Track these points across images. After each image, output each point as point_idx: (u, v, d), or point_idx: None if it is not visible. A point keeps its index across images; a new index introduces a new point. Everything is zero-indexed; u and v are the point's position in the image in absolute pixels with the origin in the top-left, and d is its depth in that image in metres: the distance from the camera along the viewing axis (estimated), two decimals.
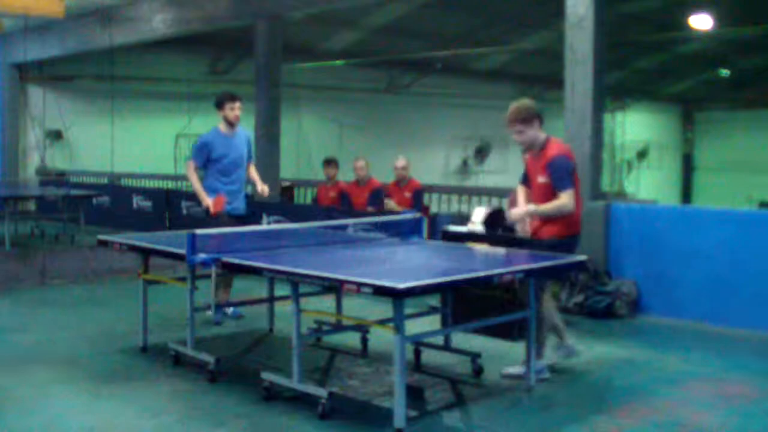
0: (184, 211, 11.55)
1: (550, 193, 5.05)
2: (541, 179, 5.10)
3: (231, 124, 6.92)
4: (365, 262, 5.09)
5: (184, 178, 12.53)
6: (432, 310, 5.77)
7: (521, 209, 5.17)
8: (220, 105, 6.92)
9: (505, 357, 5.63)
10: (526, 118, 5.06)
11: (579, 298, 7.08)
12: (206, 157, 6.84)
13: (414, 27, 16.45)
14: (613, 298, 6.98)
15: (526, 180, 5.39)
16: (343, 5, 12.62)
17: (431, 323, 5.72)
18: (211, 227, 6.11)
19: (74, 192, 12.07)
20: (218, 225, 6.31)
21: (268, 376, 4.79)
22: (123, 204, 13.04)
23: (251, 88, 11.98)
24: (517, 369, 5.14)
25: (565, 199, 4.97)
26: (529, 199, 5.28)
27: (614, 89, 20.70)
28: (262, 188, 6.96)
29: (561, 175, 5.00)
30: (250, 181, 7.28)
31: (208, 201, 6.75)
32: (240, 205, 7.02)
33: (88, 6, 13.61)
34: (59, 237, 12.21)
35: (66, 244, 11.75)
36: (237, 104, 6.87)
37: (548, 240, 5.14)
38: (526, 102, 5.18)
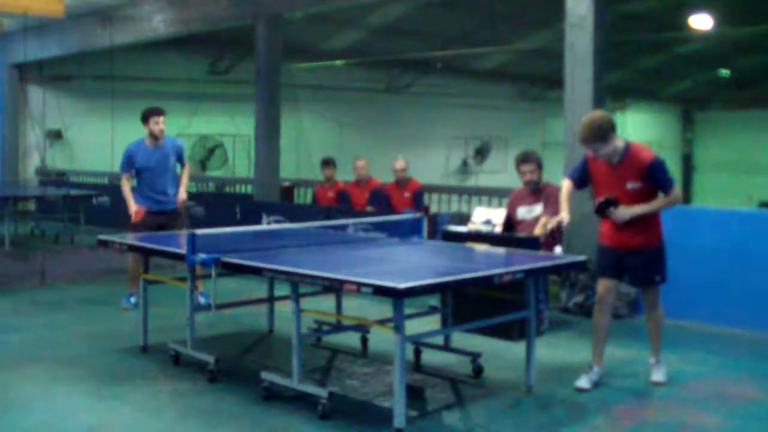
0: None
1: (644, 197, 4.91)
2: (632, 185, 4.91)
3: (155, 137, 7.31)
4: (365, 262, 5.09)
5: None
6: (432, 310, 5.77)
7: (631, 209, 4.90)
8: (145, 119, 7.31)
9: (505, 357, 5.63)
10: (603, 136, 4.83)
11: (579, 298, 7.08)
12: (131, 167, 7.38)
13: (414, 27, 16.44)
14: None
15: (581, 183, 5.19)
16: (343, 5, 12.62)
17: (431, 323, 5.72)
18: (135, 230, 7.08)
19: (74, 192, 12.06)
20: (141, 228, 7.05)
21: (268, 376, 4.79)
22: (123, 204, 13.00)
23: (251, 88, 11.98)
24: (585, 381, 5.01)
25: (678, 192, 4.92)
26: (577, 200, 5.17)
27: (614, 89, 20.68)
28: (181, 196, 7.43)
29: (664, 175, 4.90)
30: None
31: (132, 207, 7.33)
32: (168, 207, 7.42)
33: (88, 6, 13.60)
34: (59, 237, 12.20)
35: (66, 244, 11.74)
36: (161, 118, 7.29)
37: (656, 248, 5.05)
38: (598, 117, 4.91)
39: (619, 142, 4.91)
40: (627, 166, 4.91)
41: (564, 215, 5.09)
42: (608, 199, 4.92)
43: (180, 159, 7.52)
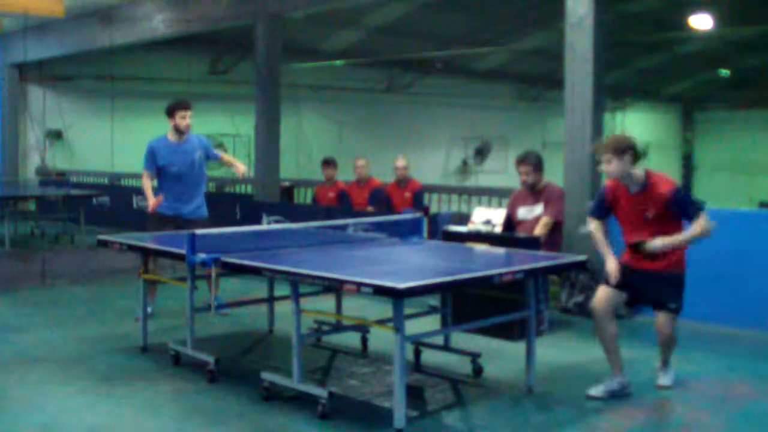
0: None
1: (663, 225, 4.78)
2: (650, 214, 4.81)
3: (181, 132, 6.93)
4: (365, 262, 5.09)
5: None
6: (432, 310, 5.77)
7: (663, 241, 4.77)
8: (171, 113, 6.92)
9: (505, 357, 5.63)
10: (618, 149, 4.75)
11: (579, 298, 7.08)
12: (154, 164, 6.93)
13: (414, 27, 16.44)
14: None
15: (603, 216, 5.08)
16: (343, 5, 12.62)
17: (431, 323, 5.72)
18: (150, 226, 6.76)
19: (74, 192, 12.06)
20: (155, 225, 6.78)
21: (268, 376, 4.79)
22: (123, 204, 13.03)
23: (251, 88, 11.98)
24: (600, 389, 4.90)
25: (704, 223, 4.72)
26: (607, 234, 5.02)
27: (614, 89, 20.69)
28: (240, 168, 7.04)
29: (689, 204, 4.80)
30: (228, 165, 7.41)
31: (151, 200, 6.93)
32: (184, 210, 6.98)
33: (88, 6, 13.60)
34: (59, 237, 12.20)
35: (66, 244, 11.75)
36: (188, 113, 6.91)
37: (675, 273, 4.87)
38: (621, 135, 4.90)
39: (637, 171, 4.80)
40: (647, 196, 4.80)
41: (610, 262, 4.90)
42: (636, 243, 4.83)
43: (209, 153, 7.17)
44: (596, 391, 4.85)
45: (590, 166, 7.55)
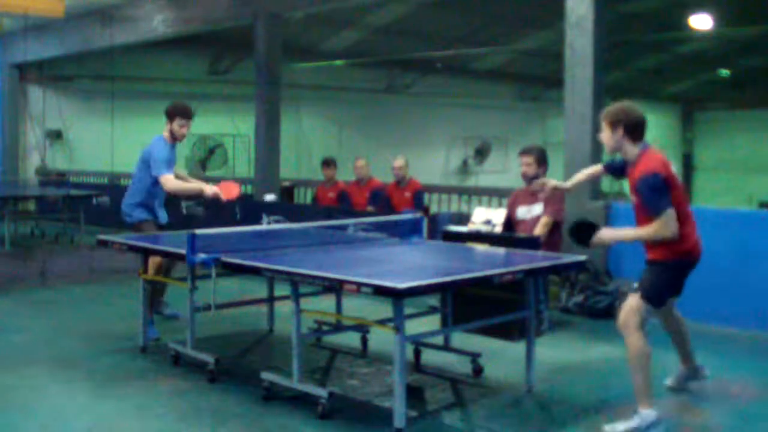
0: (184, 211, 11.53)
1: (644, 212, 4.38)
2: (634, 198, 4.46)
3: (175, 139, 6.51)
4: (365, 262, 5.09)
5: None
6: (432, 310, 5.77)
7: (612, 233, 4.59)
8: (170, 116, 6.45)
9: (505, 357, 5.63)
10: (608, 120, 4.40)
11: (579, 298, 7.08)
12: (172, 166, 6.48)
13: (414, 27, 16.44)
14: (613, 298, 6.97)
15: (614, 171, 4.77)
16: (343, 5, 12.63)
17: (431, 323, 5.72)
18: (141, 232, 6.41)
19: (74, 192, 12.07)
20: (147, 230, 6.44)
21: (268, 376, 4.78)
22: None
23: (251, 88, 11.98)
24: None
25: (657, 227, 4.24)
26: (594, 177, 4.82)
27: (614, 89, 20.67)
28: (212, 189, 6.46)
29: (651, 196, 4.27)
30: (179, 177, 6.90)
31: (212, 189, 6.30)
32: (163, 214, 6.78)
33: (88, 6, 13.62)
34: (59, 237, 12.20)
35: (66, 244, 11.75)
36: (189, 123, 6.48)
37: (654, 263, 4.44)
38: (622, 105, 4.49)
39: (633, 148, 4.42)
40: (631, 175, 4.48)
41: (558, 182, 4.78)
42: (579, 222, 4.49)
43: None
44: (668, 381, 4.89)
45: (590, 165, 7.56)
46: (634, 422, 4.22)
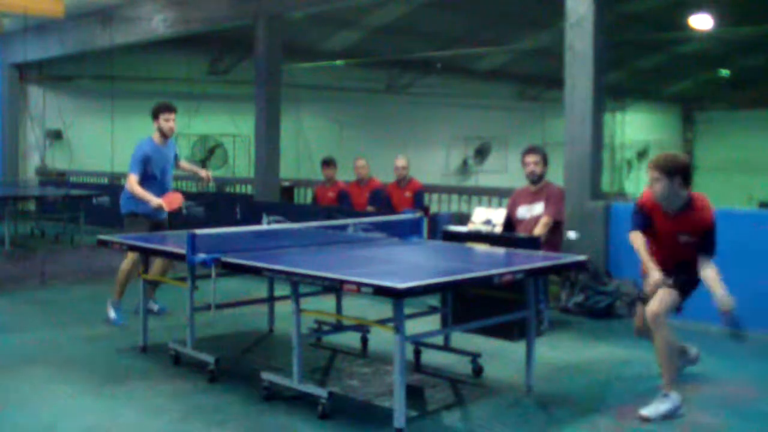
0: (184, 211, 11.54)
1: (692, 251, 4.72)
2: (685, 238, 4.72)
3: (165, 135, 6.84)
4: (365, 262, 5.09)
5: (183, 178, 12.55)
6: (432, 310, 5.77)
7: (718, 287, 4.73)
8: (155, 115, 6.82)
9: (505, 357, 5.63)
10: (665, 170, 4.61)
11: (579, 298, 7.08)
12: (144, 169, 6.71)
13: (414, 27, 16.45)
14: (613, 298, 6.98)
15: (646, 225, 4.87)
16: (343, 5, 12.62)
17: (431, 323, 5.72)
18: (132, 229, 6.67)
19: (74, 192, 12.07)
20: (139, 228, 6.67)
21: (268, 376, 4.79)
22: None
23: (251, 88, 11.98)
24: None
25: (713, 272, 4.69)
26: (651, 249, 4.87)
27: (614, 89, 20.67)
28: (206, 174, 7.16)
29: (714, 241, 4.72)
30: (190, 173, 7.58)
31: (157, 200, 6.65)
32: (163, 215, 6.94)
33: (88, 6, 13.62)
34: (59, 237, 12.21)
35: (66, 244, 11.75)
36: (172, 116, 6.81)
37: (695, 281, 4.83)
38: (674, 155, 4.76)
39: (682, 193, 4.68)
40: (686, 219, 4.71)
41: (655, 274, 4.72)
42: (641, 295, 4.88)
43: (176, 155, 7.13)
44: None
45: (590, 165, 7.57)
46: (670, 403, 4.55)
